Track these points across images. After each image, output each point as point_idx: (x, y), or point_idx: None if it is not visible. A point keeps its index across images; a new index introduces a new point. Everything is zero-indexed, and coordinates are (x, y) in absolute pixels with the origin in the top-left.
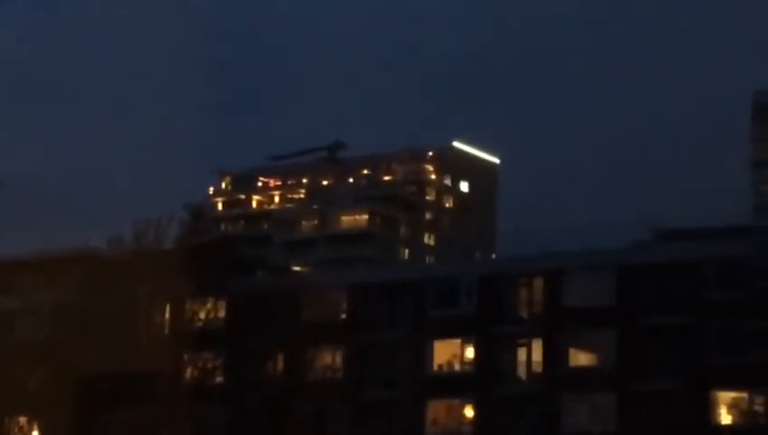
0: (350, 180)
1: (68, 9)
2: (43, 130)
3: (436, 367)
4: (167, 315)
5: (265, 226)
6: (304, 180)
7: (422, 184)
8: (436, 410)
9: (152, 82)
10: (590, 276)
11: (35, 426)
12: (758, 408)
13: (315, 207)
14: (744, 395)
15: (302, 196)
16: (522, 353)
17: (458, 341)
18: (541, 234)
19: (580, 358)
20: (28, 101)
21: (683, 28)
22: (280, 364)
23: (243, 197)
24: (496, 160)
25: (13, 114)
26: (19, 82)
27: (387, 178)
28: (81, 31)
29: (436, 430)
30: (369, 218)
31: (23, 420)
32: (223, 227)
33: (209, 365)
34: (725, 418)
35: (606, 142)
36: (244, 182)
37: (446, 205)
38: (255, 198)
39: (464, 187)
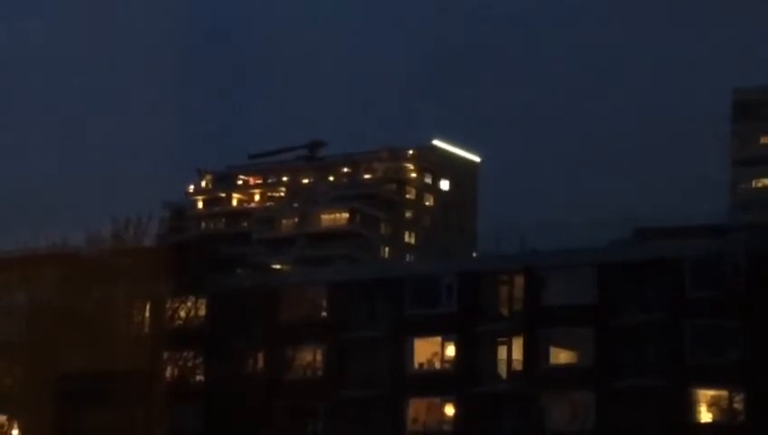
0: (331, 179)
1: (47, 9)
2: (22, 127)
3: (416, 365)
4: (146, 314)
5: (245, 224)
6: (284, 179)
7: (402, 182)
8: (416, 408)
9: (132, 80)
10: (569, 274)
11: (15, 425)
12: (738, 406)
13: (295, 205)
14: (724, 393)
15: (282, 194)
16: (502, 352)
17: (439, 339)
18: (521, 232)
19: (560, 356)
20: (3, 100)
21: (663, 23)
22: (260, 363)
23: (223, 195)
24: (476, 158)
25: None
26: None
27: (367, 176)
28: (54, 32)
29: (416, 428)
30: (350, 217)
31: (2, 418)
32: (203, 225)
33: (189, 364)
34: (705, 416)
35: (587, 140)
36: (225, 180)
37: (427, 203)
38: (236, 196)
39: (444, 185)
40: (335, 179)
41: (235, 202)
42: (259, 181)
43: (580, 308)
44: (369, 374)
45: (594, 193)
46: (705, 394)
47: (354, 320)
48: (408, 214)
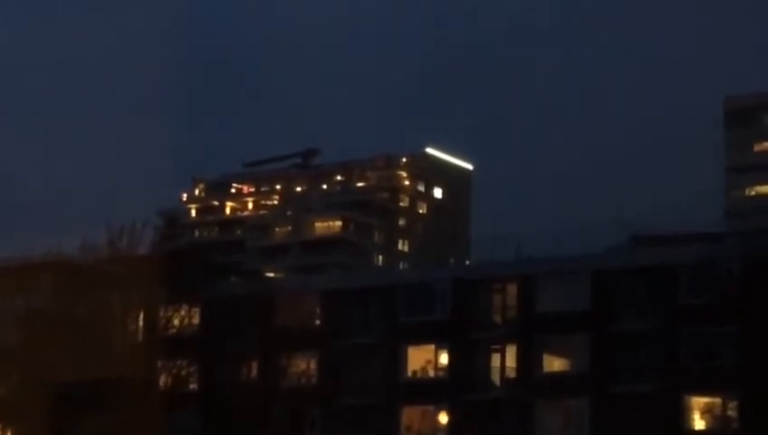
0: (324, 187)
1: (40, 17)
2: (15, 135)
3: (410, 373)
4: (140, 322)
5: (239, 232)
6: (278, 187)
7: (396, 190)
8: (410, 416)
9: (125, 88)
10: (563, 281)
11: (9, 433)
12: (731, 413)
13: (289, 213)
14: (718, 400)
15: (275, 202)
16: (496, 359)
17: (432, 347)
18: (514, 239)
19: (554, 363)
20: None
21: (656, 30)
22: (254, 371)
23: (216, 203)
24: (469, 166)
25: None
26: None
27: (360, 184)
28: (51, 38)
29: None
30: (343, 225)
31: None
32: (197, 233)
33: (183, 372)
34: (699, 423)
35: (579, 147)
36: (218, 189)
37: (420, 211)
38: (229, 204)
39: (437, 193)
40: (328, 187)
41: (228, 210)
42: (252, 189)
43: (574, 315)
44: (363, 382)
45: (588, 200)
46: (699, 401)
47: (348, 327)
48: (401, 221)
